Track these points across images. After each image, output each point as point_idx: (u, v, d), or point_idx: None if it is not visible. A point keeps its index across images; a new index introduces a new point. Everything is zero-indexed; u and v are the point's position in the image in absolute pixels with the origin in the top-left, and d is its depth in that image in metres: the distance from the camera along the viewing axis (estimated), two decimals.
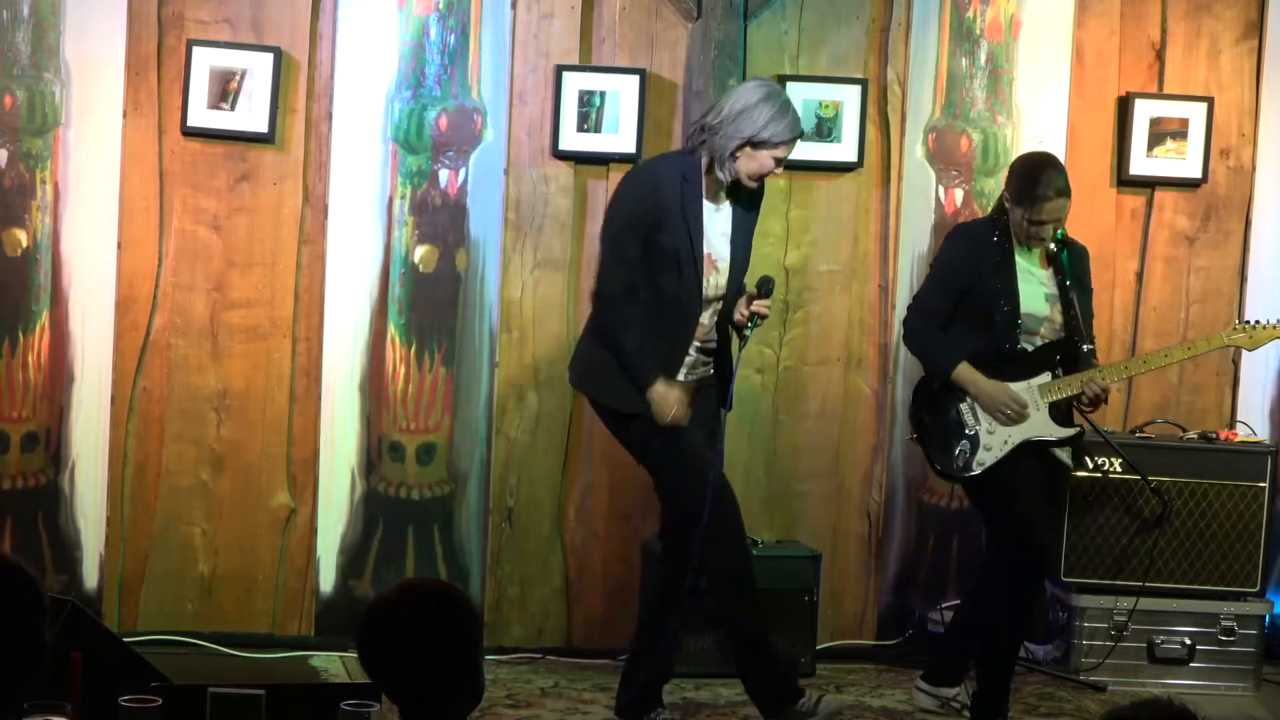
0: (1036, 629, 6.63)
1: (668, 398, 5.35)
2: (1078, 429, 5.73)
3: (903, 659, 6.47)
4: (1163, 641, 6.46)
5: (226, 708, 3.36)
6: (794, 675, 5.63)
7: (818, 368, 6.66)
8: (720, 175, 5.40)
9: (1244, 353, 6.73)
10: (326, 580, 6.43)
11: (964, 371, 5.66)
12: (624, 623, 6.51)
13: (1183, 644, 6.46)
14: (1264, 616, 6.50)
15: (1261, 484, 6.50)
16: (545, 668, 6.26)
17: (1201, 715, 2.81)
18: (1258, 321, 5.82)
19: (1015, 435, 5.66)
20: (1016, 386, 5.66)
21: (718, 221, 5.47)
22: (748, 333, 5.43)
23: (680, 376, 5.45)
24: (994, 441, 5.67)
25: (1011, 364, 5.67)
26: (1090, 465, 6.46)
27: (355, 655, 5.97)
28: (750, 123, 5.35)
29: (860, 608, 6.68)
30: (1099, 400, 5.67)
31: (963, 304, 5.69)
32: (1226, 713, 6.19)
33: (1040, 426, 5.67)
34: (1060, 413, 5.70)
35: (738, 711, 5.90)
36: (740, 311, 5.44)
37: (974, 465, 5.68)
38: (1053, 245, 5.66)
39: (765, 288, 5.46)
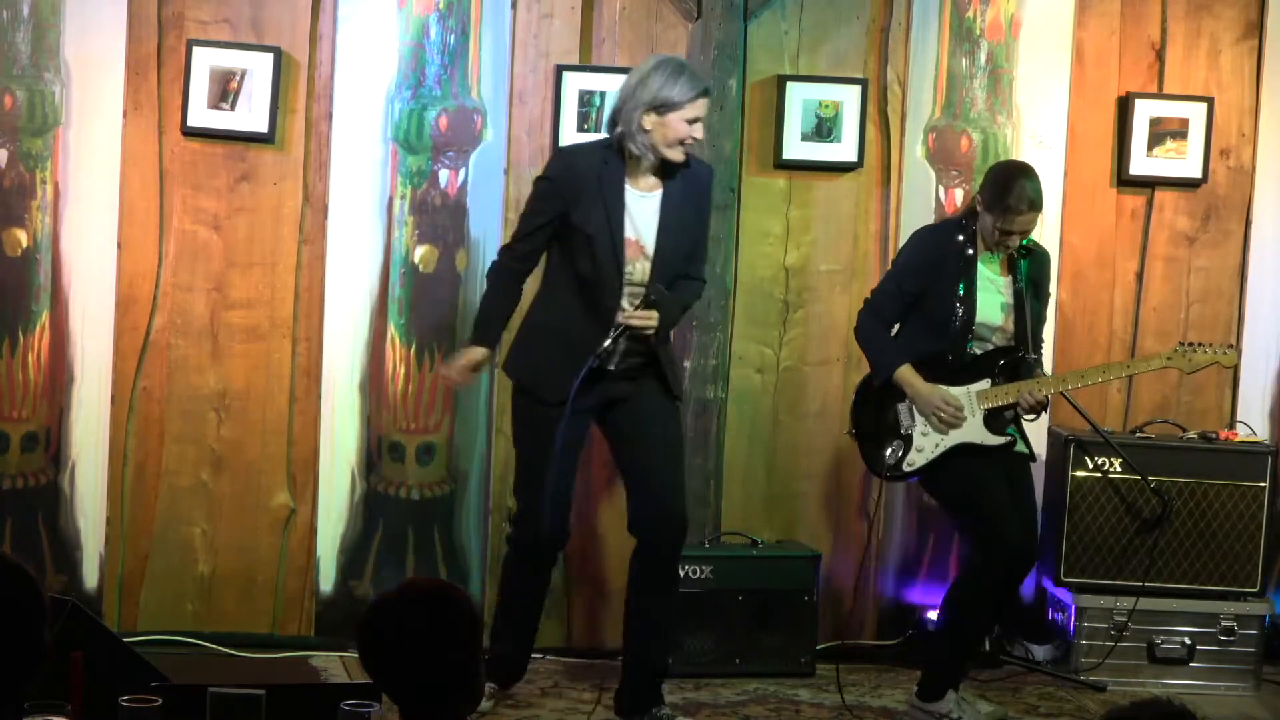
0: (1037, 629, 6.65)
1: (454, 361, 5.64)
2: (1009, 438, 5.76)
3: (903, 659, 6.47)
4: (1163, 641, 6.46)
5: (226, 708, 3.35)
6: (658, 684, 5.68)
7: (818, 368, 6.66)
8: (634, 150, 5.39)
9: (1244, 352, 6.74)
10: (326, 580, 6.43)
11: (904, 373, 5.73)
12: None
13: (1183, 644, 6.46)
14: (1264, 616, 6.50)
15: (1261, 484, 6.50)
16: (545, 668, 6.26)
17: (1201, 715, 2.81)
18: (1199, 344, 5.86)
19: (948, 440, 5.72)
20: (955, 391, 5.71)
21: (645, 207, 5.46)
22: (607, 342, 5.39)
23: (611, 366, 5.45)
24: (926, 444, 5.74)
25: (954, 368, 5.72)
26: (1090, 465, 6.46)
27: (355, 655, 5.98)
28: (646, 89, 5.38)
29: (860, 608, 6.68)
30: (1037, 410, 5.73)
31: (917, 305, 5.74)
32: (1226, 713, 6.19)
33: (974, 432, 5.72)
34: (997, 419, 5.74)
35: (738, 711, 5.91)
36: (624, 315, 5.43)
37: (903, 466, 5.77)
38: (1017, 250, 5.71)
39: (650, 298, 5.42)
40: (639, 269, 5.44)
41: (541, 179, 5.55)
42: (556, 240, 5.48)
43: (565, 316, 5.48)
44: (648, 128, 5.37)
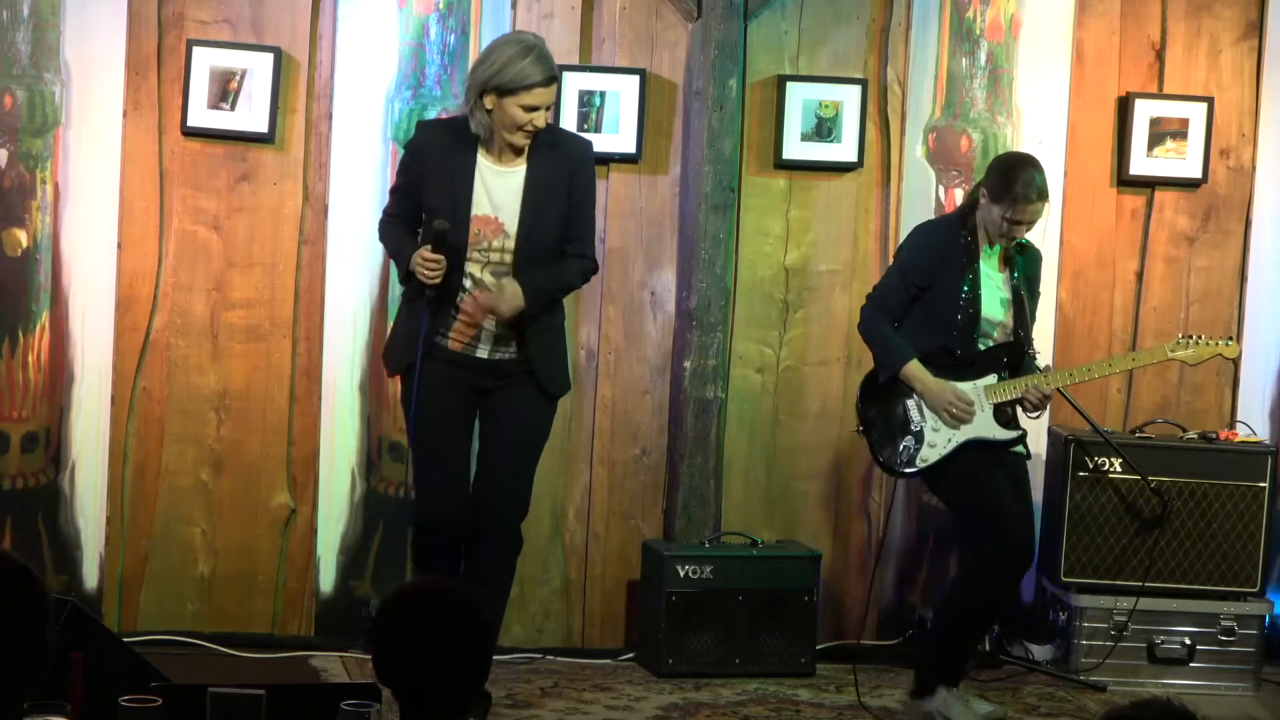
0: (1037, 629, 6.65)
1: (417, 254, 5.26)
2: (1021, 431, 5.79)
3: (903, 659, 6.46)
4: (1163, 641, 6.46)
5: (226, 708, 3.35)
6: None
7: (818, 368, 6.66)
8: (474, 127, 5.27)
9: (1244, 352, 6.74)
10: (326, 580, 6.43)
11: (913, 369, 5.72)
12: (624, 623, 6.52)
13: (1183, 644, 6.46)
14: (1264, 616, 6.50)
15: (1261, 484, 6.50)
16: (545, 667, 6.26)
17: (1201, 715, 2.81)
18: (1200, 336, 5.90)
19: (959, 435, 5.72)
20: (963, 386, 5.71)
21: (506, 183, 5.33)
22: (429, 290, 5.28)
23: (484, 354, 5.35)
24: (938, 439, 5.73)
25: (960, 364, 5.72)
26: (1090, 465, 6.46)
27: (355, 655, 5.98)
28: (486, 69, 5.22)
29: (860, 608, 6.68)
30: (1042, 405, 5.75)
31: (921, 300, 5.74)
32: (1226, 713, 6.19)
33: (984, 427, 5.73)
34: (1003, 414, 5.75)
35: (738, 711, 5.90)
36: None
37: (917, 461, 5.76)
38: (1012, 247, 5.74)
39: (429, 233, 5.27)
40: (497, 246, 5.32)
41: (404, 149, 5.57)
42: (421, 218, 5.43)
43: (418, 294, 5.36)
44: (488, 107, 5.23)
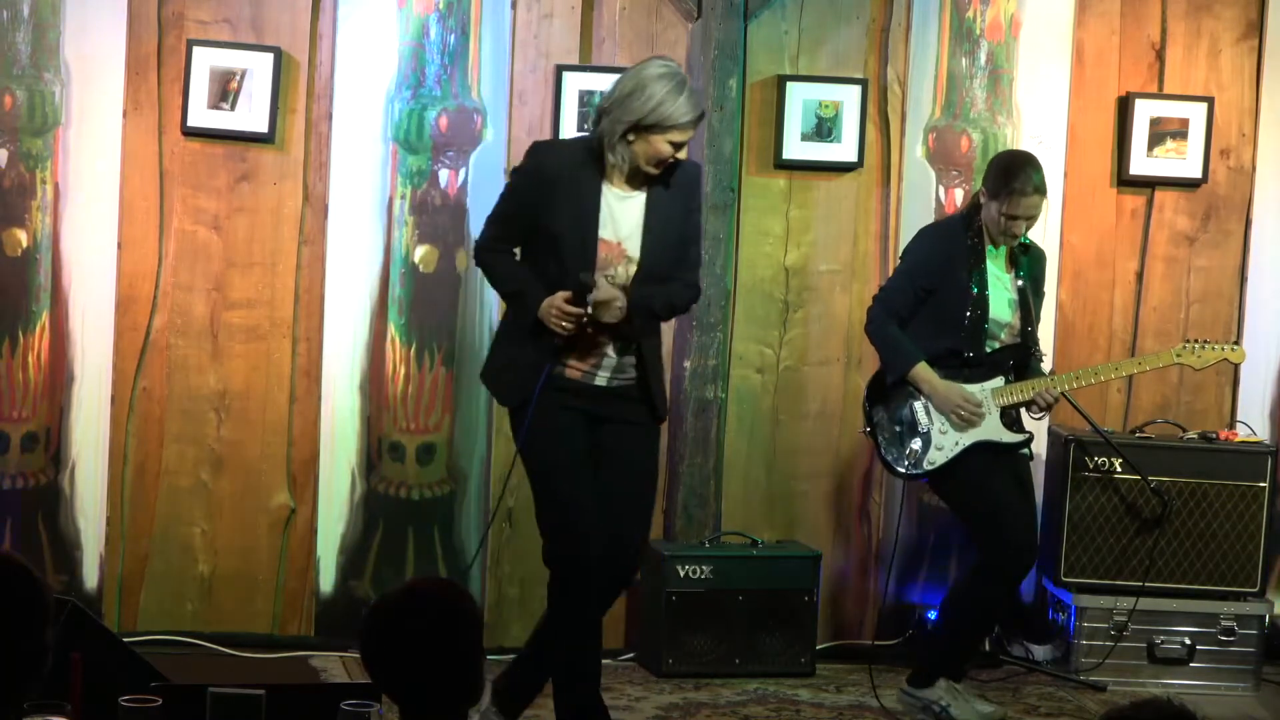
0: (1037, 629, 6.65)
1: (552, 303, 5.07)
2: (1028, 434, 5.81)
3: (903, 659, 6.46)
4: (1163, 641, 6.46)
5: (226, 708, 3.36)
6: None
7: (818, 368, 6.66)
8: (612, 159, 5.12)
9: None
10: (326, 580, 6.43)
11: (921, 371, 5.72)
12: (623, 623, 6.51)
13: (1183, 644, 6.46)
14: (1264, 616, 6.50)
15: (1261, 484, 6.50)
16: None
17: (1201, 715, 2.81)
18: (1206, 341, 5.90)
19: (966, 437, 5.72)
20: (970, 389, 5.70)
21: (628, 209, 5.19)
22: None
23: (603, 382, 5.19)
24: (945, 442, 5.73)
25: (967, 366, 5.72)
26: (1090, 465, 6.46)
27: (355, 655, 5.97)
28: (640, 104, 5.05)
29: (860, 608, 6.68)
30: (1050, 408, 5.77)
31: (928, 302, 5.73)
32: (1226, 713, 6.20)
33: (991, 430, 5.73)
34: (1008, 416, 5.76)
35: (738, 711, 5.90)
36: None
37: (924, 464, 5.76)
38: (1017, 247, 5.74)
39: (580, 290, 5.07)
40: (621, 273, 5.17)
41: (514, 172, 5.34)
42: (526, 243, 5.22)
43: (533, 322, 5.14)
44: (631, 140, 5.09)
